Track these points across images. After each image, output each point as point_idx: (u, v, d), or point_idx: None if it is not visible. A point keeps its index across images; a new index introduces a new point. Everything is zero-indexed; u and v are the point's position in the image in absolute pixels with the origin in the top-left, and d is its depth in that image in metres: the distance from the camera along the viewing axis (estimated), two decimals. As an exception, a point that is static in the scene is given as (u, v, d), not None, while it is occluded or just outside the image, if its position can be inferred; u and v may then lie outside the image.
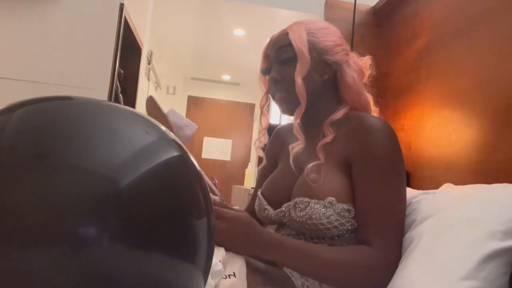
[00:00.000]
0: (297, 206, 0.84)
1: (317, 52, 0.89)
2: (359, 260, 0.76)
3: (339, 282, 0.78)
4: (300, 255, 0.77)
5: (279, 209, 0.90)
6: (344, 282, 0.77)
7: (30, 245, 0.34)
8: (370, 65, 0.98)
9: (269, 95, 1.00)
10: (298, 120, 0.89)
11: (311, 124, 0.95)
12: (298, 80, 0.87)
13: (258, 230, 0.78)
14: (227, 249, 0.77)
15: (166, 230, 0.38)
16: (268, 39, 0.97)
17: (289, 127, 1.09)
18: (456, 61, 1.32)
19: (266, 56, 0.96)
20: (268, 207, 0.94)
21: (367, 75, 0.98)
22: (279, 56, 0.91)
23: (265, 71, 0.97)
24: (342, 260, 0.76)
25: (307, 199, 0.83)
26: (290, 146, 0.89)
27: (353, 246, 0.80)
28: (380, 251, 0.76)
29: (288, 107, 0.93)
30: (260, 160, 1.11)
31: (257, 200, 1.00)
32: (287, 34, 0.90)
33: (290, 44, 0.89)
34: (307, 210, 0.82)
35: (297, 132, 0.89)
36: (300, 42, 0.88)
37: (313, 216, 0.80)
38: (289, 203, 0.87)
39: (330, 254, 0.77)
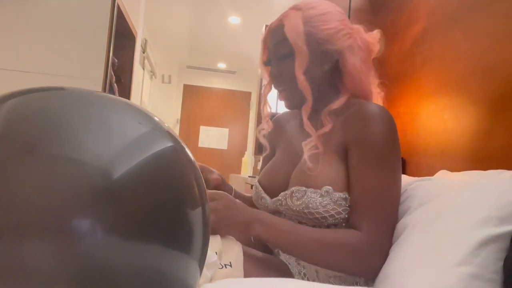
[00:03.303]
0: (293, 195, 0.84)
1: (317, 43, 0.87)
2: (346, 240, 0.76)
3: (323, 259, 0.78)
4: (283, 229, 0.79)
5: (275, 198, 0.90)
6: (330, 261, 0.77)
7: (24, 238, 0.33)
8: (379, 39, 0.94)
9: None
10: (306, 117, 0.87)
11: (311, 113, 0.95)
12: (300, 76, 0.85)
13: (238, 207, 0.79)
14: (218, 233, 0.78)
15: (161, 220, 0.38)
16: (266, 27, 0.95)
17: (288, 115, 1.09)
18: (452, 47, 1.32)
19: (266, 46, 0.95)
20: (265, 195, 0.94)
21: (375, 51, 0.94)
22: (277, 52, 0.90)
23: (267, 62, 0.96)
24: (328, 238, 0.77)
25: (304, 188, 0.83)
26: (303, 143, 0.87)
27: (342, 229, 0.80)
28: (370, 235, 0.76)
29: (292, 102, 0.93)
30: (258, 148, 1.11)
31: (254, 189, 1.00)
32: (283, 26, 0.87)
33: (287, 39, 0.86)
34: (303, 199, 0.82)
35: (309, 128, 0.87)
36: (296, 36, 0.85)
37: (310, 205, 0.80)
38: (285, 192, 0.87)
39: (316, 232, 0.78)
